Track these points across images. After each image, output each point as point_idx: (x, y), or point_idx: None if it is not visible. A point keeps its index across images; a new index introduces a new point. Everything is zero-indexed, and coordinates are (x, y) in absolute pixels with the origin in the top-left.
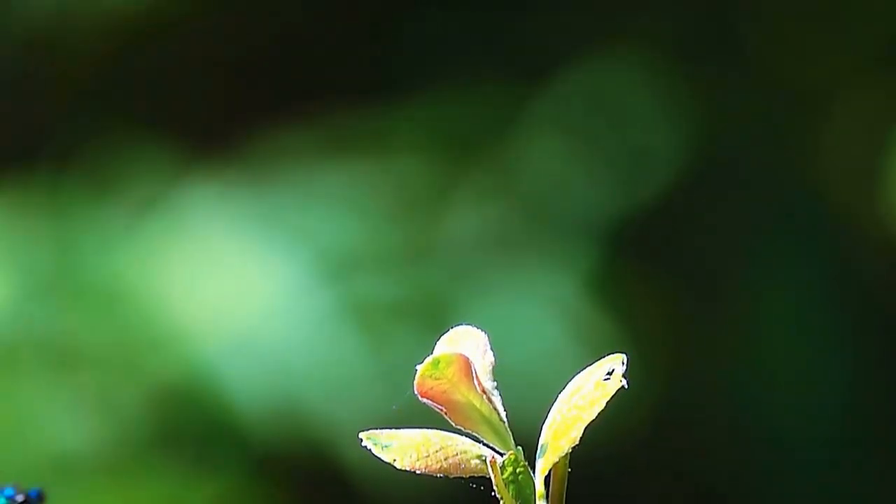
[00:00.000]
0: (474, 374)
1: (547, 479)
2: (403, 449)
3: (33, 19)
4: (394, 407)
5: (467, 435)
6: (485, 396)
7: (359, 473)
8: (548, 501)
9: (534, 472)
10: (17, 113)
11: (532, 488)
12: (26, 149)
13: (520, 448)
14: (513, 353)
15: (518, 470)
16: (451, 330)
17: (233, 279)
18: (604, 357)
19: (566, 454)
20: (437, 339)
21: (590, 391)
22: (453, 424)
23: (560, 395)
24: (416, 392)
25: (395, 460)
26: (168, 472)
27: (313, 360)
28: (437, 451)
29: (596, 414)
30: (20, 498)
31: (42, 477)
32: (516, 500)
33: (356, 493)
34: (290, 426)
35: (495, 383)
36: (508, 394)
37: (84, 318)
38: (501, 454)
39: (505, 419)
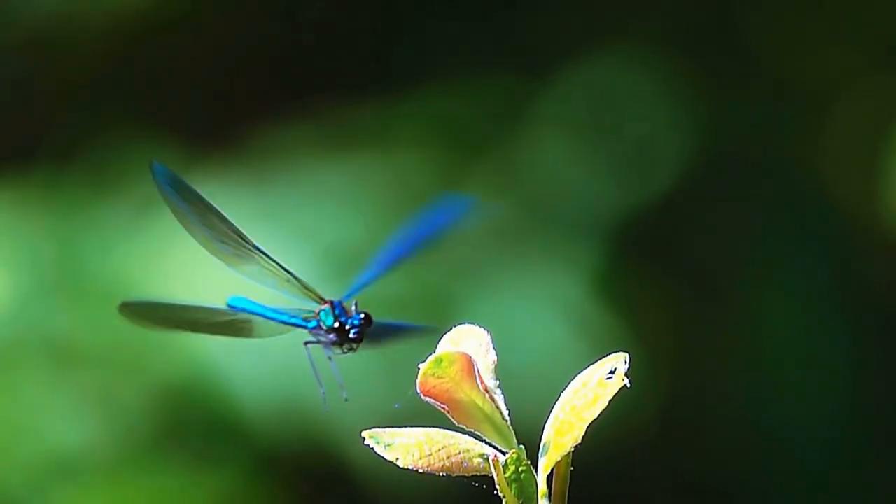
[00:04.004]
0: (477, 373)
1: (549, 478)
2: (406, 448)
3: (35, 19)
4: (396, 406)
5: (469, 434)
6: (487, 395)
7: (362, 471)
8: (550, 500)
9: (536, 471)
10: (18, 112)
11: (534, 487)
12: (27, 147)
13: (522, 447)
14: (516, 352)
15: (520, 468)
16: (453, 329)
17: (235, 277)
18: (606, 356)
19: (569, 453)
20: (440, 338)
21: (592, 390)
22: (455, 423)
23: (562, 394)
24: (418, 391)
25: (397, 459)
26: (171, 469)
27: (316, 357)
28: (439, 450)
29: (598, 413)
30: (335, 322)
31: (44, 476)
32: (519, 499)
33: (359, 491)
34: (293, 424)
35: (498, 382)
36: (511, 392)
37: (86, 316)
38: (504, 453)
39: (507, 418)
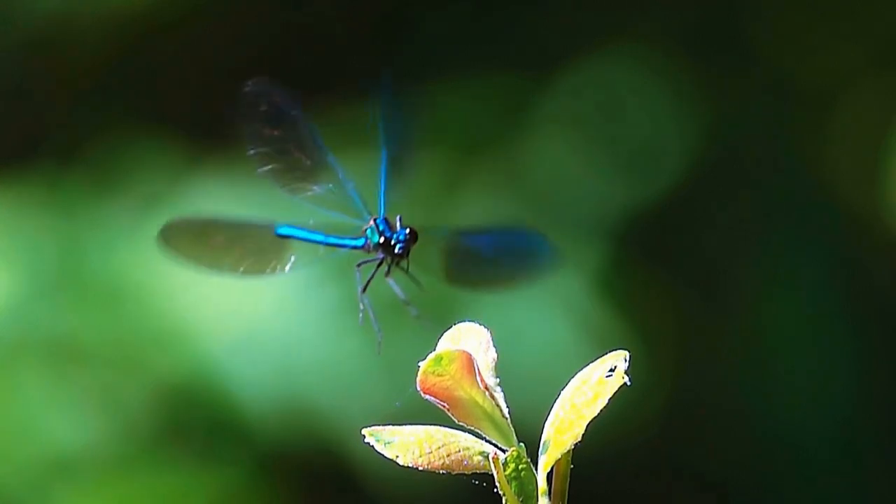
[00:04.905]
0: (477, 371)
1: (549, 476)
2: (406, 445)
3: (35, 19)
4: (397, 404)
5: (470, 431)
6: (487, 393)
7: (362, 469)
8: (550, 498)
9: (536, 469)
10: (19, 111)
11: (534, 485)
12: (29, 147)
13: (522, 445)
14: (517, 350)
15: (520, 466)
16: (453, 326)
17: (237, 277)
18: (607, 354)
19: (569, 451)
20: (441, 336)
21: (592, 388)
22: (456, 421)
23: (562, 392)
24: (418, 389)
25: (397, 457)
26: (173, 468)
27: (317, 356)
28: (439, 448)
29: (598, 411)
30: (379, 238)
31: (44, 476)
32: (519, 497)
33: (360, 489)
34: (294, 423)
35: (498, 380)
36: (511, 390)
37: (88, 315)
38: (504, 451)
39: (507, 415)
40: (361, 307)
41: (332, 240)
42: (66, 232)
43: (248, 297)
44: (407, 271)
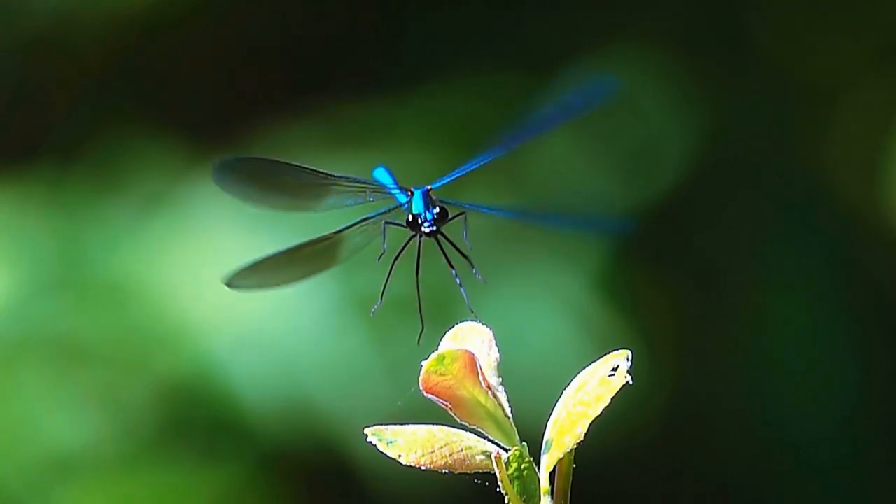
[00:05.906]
0: (479, 371)
1: (552, 475)
2: (408, 445)
3: (38, 19)
4: (399, 403)
5: (472, 431)
6: (490, 392)
7: (364, 468)
8: (552, 497)
9: (539, 468)
10: (21, 111)
11: (537, 484)
12: (31, 146)
13: (525, 444)
14: (519, 350)
15: (523, 466)
16: (456, 326)
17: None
18: (609, 353)
19: (571, 450)
20: (443, 335)
21: (595, 387)
22: (458, 420)
23: (565, 392)
24: (420, 388)
25: (400, 456)
26: (175, 466)
27: (319, 355)
28: (442, 447)
29: (601, 410)
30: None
31: (45, 475)
32: (521, 496)
33: (362, 488)
34: (295, 421)
35: (500, 379)
36: (514, 390)
37: (89, 314)
38: (506, 450)
39: (510, 415)
40: (419, 289)
41: (400, 197)
42: (67, 231)
43: (249, 296)
44: (456, 247)
